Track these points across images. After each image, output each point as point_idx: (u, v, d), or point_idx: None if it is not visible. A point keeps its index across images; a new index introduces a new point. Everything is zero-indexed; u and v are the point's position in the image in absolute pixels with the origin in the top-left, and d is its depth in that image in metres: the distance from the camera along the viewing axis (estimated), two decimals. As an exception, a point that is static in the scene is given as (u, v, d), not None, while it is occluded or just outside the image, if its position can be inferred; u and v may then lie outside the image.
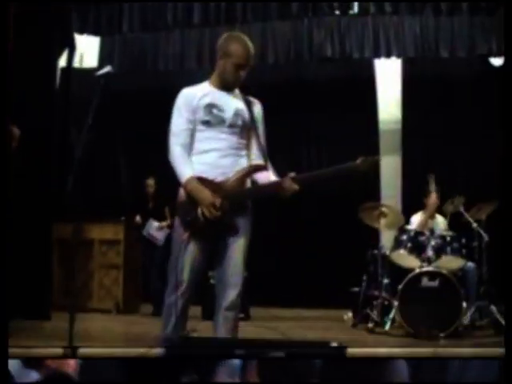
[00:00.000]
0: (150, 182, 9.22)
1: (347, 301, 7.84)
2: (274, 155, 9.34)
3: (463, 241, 6.97)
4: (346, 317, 7.81)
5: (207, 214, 3.89)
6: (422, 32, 8.70)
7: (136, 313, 8.93)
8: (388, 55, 8.82)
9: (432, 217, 7.82)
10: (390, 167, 9.55)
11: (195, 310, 7.04)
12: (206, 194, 3.91)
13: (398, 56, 8.95)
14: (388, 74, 9.71)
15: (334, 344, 3.00)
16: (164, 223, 8.97)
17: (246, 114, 4.14)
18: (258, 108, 4.27)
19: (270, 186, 4.09)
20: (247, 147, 4.21)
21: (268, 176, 4.14)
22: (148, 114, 9.58)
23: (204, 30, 8.79)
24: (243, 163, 4.13)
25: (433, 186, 7.79)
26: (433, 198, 7.75)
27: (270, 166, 4.18)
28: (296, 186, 3.96)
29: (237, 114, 4.10)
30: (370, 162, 4.05)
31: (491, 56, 9.07)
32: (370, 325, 6.94)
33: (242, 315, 7.60)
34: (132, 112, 10.07)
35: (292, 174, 4.01)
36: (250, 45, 4.14)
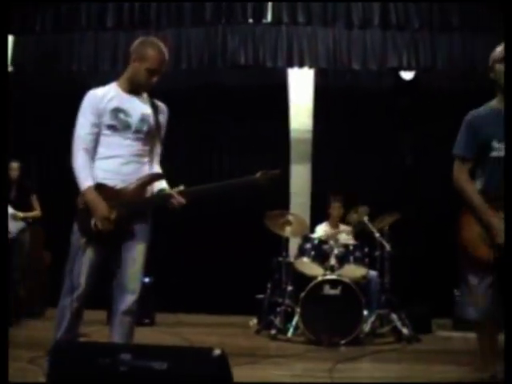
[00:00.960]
0: (14, 165, 8.14)
1: (253, 307, 7.88)
2: (186, 162, 9.41)
3: (366, 250, 7.14)
4: (251, 323, 7.86)
5: (100, 226, 3.89)
6: (335, 44, 8.82)
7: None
8: (301, 65, 8.89)
9: (336, 226, 7.96)
10: (300, 176, 9.64)
11: (100, 314, 6.98)
12: (101, 208, 3.91)
13: (311, 66, 9.03)
14: (300, 84, 9.78)
15: (217, 352, 3.00)
16: (20, 213, 7.97)
17: (152, 120, 4.13)
18: (164, 114, 4.26)
19: (160, 197, 4.11)
20: (150, 154, 4.20)
21: (159, 185, 4.17)
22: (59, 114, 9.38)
23: (118, 32, 8.72)
24: (145, 170, 4.13)
25: (336, 198, 7.95)
26: (336, 209, 7.91)
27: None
28: (183, 200, 4.00)
29: (143, 119, 4.09)
30: (270, 175, 4.13)
31: (401, 69, 9.29)
32: (273, 331, 6.97)
33: (147, 320, 7.67)
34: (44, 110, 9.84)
35: (181, 188, 4.05)
36: (165, 51, 4.15)
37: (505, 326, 3.63)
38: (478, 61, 8.24)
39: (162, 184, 4.17)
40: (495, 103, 3.99)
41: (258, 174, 4.12)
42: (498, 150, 3.85)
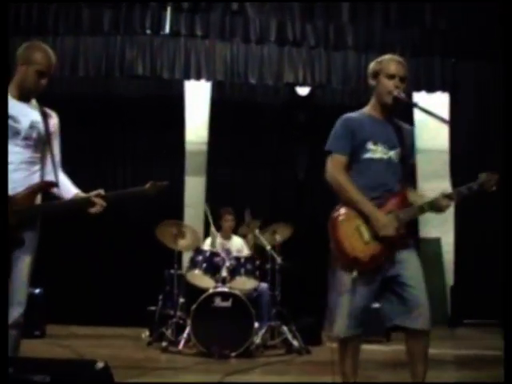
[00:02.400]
0: None
1: (145, 319, 7.82)
2: (80, 170, 9.27)
3: (257, 263, 7.18)
4: (143, 335, 7.78)
5: None
6: (232, 57, 8.94)
7: None
8: (198, 77, 8.97)
9: (228, 238, 8.01)
10: (195, 188, 9.69)
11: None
12: None
13: (208, 79, 9.12)
14: (197, 96, 9.84)
15: (100, 364, 2.98)
16: None
17: (42, 127, 4.05)
18: (54, 121, 4.18)
19: (77, 202, 4.09)
20: (41, 161, 4.13)
21: (70, 191, 4.13)
22: None
23: (14, 39, 8.52)
24: (35, 178, 4.05)
25: (227, 210, 8.00)
26: (227, 222, 7.96)
27: (68, 180, 4.19)
28: (104, 203, 4.02)
29: (32, 126, 4.00)
30: (158, 187, 4.20)
31: (297, 85, 9.47)
32: (164, 344, 6.92)
33: (37, 332, 7.49)
34: None
35: (101, 191, 4.04)
36: (52, 53, 4.09)
37: (505, 326, 3.67)
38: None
39: (72, 190, 4.13)
40: (368, 109, 4.12)
41: (147, 185, 4.17)
42: (372, 151, 3.95)
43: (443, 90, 9.87)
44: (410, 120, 8.08)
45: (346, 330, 3.88)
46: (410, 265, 3.88)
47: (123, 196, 4.40)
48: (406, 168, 4.08)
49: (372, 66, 4.11)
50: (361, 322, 3.90)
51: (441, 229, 10.04)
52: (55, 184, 4.12)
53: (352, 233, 3.84)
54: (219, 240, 7.95)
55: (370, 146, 3.96)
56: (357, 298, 3.83)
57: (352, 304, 3.84)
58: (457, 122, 10.05)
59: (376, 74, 4.05)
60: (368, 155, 3.96)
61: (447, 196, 3.86)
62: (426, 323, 3.83)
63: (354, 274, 3.79)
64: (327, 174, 4.02)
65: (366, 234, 3.83)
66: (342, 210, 3.92)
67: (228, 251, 7.52)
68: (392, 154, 3.98)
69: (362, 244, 3.82)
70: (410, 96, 9.60)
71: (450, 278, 10.15)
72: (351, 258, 3.82)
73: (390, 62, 4.03)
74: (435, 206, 3.88)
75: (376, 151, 3.96)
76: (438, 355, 6.88)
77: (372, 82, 4.08)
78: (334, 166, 3.99)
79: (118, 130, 9.69)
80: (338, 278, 3.93)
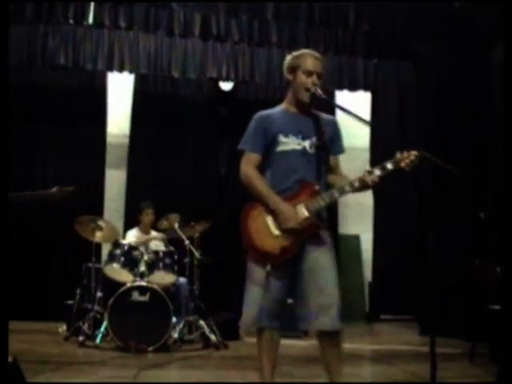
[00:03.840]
0: None
1: (62, 313, 7.70)
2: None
3: (176, 257, 7.17)
4: (60, 329, 7.67)
5: None
6: (156, 50, 8.88)
7: None
8: (121, 69, 8.87)
9: (147, 232, 7.96)
10: (116, 181, 9.61)
11: None
12: None
13: (131, 71, 9.04)
14: (120, 88, 9.75)
15: (9, 359, 2.94)
16: None
17: None
18: None
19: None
20: None
21: None
22: None
23: None
24: None
25: (147, 205, 7.96)
26: (147, 216, 7.92)
27: None
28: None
29: None
30: (65, 191, 4.20)
31: (221, 80, 9.48)
32: (81, 338, 6.83)
33: None
34: None
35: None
36: None
37: (505, 325, 3.68)
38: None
39: None
40: (284, 104, 4.15)
41: (55, 189, 4.17)
42: (283, 144, 3.98)
43: (365, 88, 10.03)
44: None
45: (254, 321, 3.90)
46: (320, 264, 3.88)
47: (27, 198, 4.35)
48: (327, 157, 4.09)
49: (289, 60, 4.10)
50: (274, 316, 3.91)
51: (360, 226, 10.23)
52: None
53: (262, 228, 3.88)
54: (138, 234, 7.89)
55: (282, 138, 3.98)
56: (269, 291, 3.85)
57: (264, 297, 3.85)
58: (378, 120, 10.24)
59: (293, 69, 4.04)
60: (280, 148, 3.99)
61: (369, 171, 3.82)
62: (333, 324, 3.81)
63: (268, 268, 3.81)
64: (240, 172, 4.07)
65: (275, 229, 3.85)
66: (253, 206, 3.96)
67: (147, 245, 7.47)
68: (306, 144, 3.99)
69: (272, 238, 3.84)
70: (331, 93, 9.76)
71: (368, 274, 10.33)
72: (262, 252, 3.86)
73: (308, 58, 4.03)
74: (362, 182, 3.83)
75: (287, 143, 3.98)
76: (356, 350, 7.01)
77: (289, 76, 4.08)
78: (246, 164, 4.05)
79: (38, 120, 9.47)
80: (250, 272, 3.95)
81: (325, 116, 4.18)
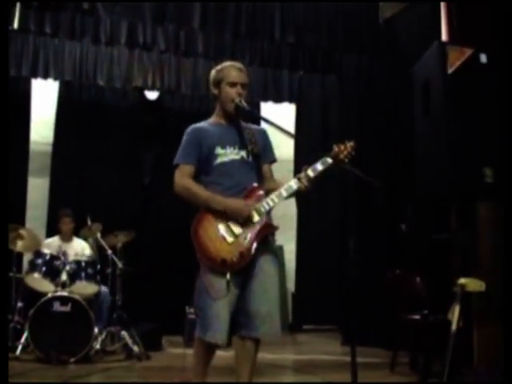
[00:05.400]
0: None
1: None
2: None
3: (98, 267, 7.11)
4: (-22, 341, 7.48)
5: None
6: (82, 58, 8.81)
7: None
8: (45, 76, 8.76)
9: (67, 241, 7.83)
10: (38, 188, 9.45)
11: None
12: None
13: (56, 78, 8.94)
14: (44, 95, 9.62)
15: None
16: None
17: None
18: None
19: None
20: None
21: None
22: None
23: None
24: None
25: (65, 213, 7.87)
26: (65, 224, 7.82)
27: None
28: None
29: None
30: None
31: (146, 89, 9.46)
32: (0, 349, 6.70)
33: None
34: None
35: None
36: None
37: (504, 325, 3.68)
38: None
39: None
40: (214, 117, 4.18)
41: None
42: (221, 155, 3.99)
43: (290, 101, 10.15)
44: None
45: (223, 337, 3.80)
46: (262, 271, 3.88)
47: None
48: (262, 164, 4.12)
49: (213, 74, 4.14)
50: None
51: (284, 236, 10.30)
52: None
53: (215, 236, 3.82)
54: (58, 243, 7.76)
55: (219, 150, 3.99)
56: (233, 300, 3.82)
57: (226, 309, 3.80)
58: (302, 132, 10.38)
59: (218, 83, 4.08)
60: (219, 160, 3.99)
61: (299, 178, 3.86)
62: (274, 332, 3.86)
63: (227, 276, 3.76)
64: (175, 185, 3.99)
65: (229, 234, 3.82)
66: (202, 216, 3.89)
67: (66, 254, 7.30)
68: (243, 153, 4.02)
69: (227, 245, 3.80)
70: (257, 105, 9.85)
71: (291, 284, 10.41)
72: (219, 261, 3.78)
73: (231, 70, 4.08)
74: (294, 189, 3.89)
75: (225, 154, 4.00)
76: (278, 360, 7.05)
77: (214, 90, 4.11)
78: (180, 176, 4.00)
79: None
80: (208, 285, 3.83)
81: (254, 126, 4.22)
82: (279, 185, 4.01)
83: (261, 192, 3.95)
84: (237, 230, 3.83)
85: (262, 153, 4.11)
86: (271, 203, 3.90)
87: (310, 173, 3.88)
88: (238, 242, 3.81)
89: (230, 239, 3.81)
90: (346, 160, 3.82)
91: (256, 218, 3.86)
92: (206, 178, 4.02)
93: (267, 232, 3.91)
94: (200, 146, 4.02)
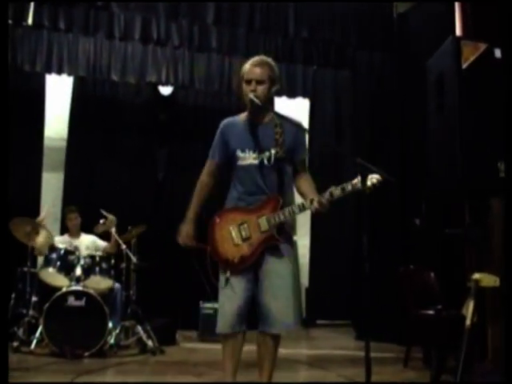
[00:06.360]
0: None
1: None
2: None
3: (112, 261, 7.14)
4: (-7, 335, 7.53)
5: None
6: (95, 53, 8.82)
7: None
8: (59, 72, 8.77)
9: (76, 237, 7.84)
10: (52, 184, 9.47)
11: None
12: None
13: (70, 74, 8.93)
14: (58, 91, 9.64)
15: None
16: None
17: None
18: None
19: None
20: None
21: None
22: None
23: None
24: None
25: (70, 209, 7.90)
26: (71, 220, 7.85)
27: None
28: None
29: None
30: None
31: (160, 84, 9.46)
32: (15, 344, 6.71)
33: None
34: None
35: None
36: None
37: (505, 325, 3.69)
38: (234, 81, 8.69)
39: None
40: (244, 114, 4.22)
41: None
42: (241, 159, 4.09)
43: (304, 95, 10.13)
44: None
45: (226, 327, 4.04)
46: (276, 271, 4.04)
47: None
48: (289, 165, 4.18)
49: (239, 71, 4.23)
50: (241, 320, 4.04)
51: (298, 231, 10.29)
52: None
53: (226, 236, 4.06)
54: (67, 239, 7.78)
55: (239, 153, 4.11)
56: (234, 296, 4.00)
57: (230, 302, 4.02)
58: (316, 127, 10.36)
59: (241, 80, 4.16)
60: (239, 163, 4.12)
61: (311, 200, 3.97)
62: (282, 328, 4.05)
63: (227, 274, 4.01)
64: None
65: (237, 237, 4.04)
66: (221, 215, 4.14)
67: (76, 250, 7.31)
68: (265, 156, 4.07)
69: (233, 247, 4.03)
70: (271, 101, 9.84)
71: (305, 279, 10.41)
72: (223, 259, 4.04)
73: (248, 68, 4.12)
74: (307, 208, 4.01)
75: (245, 158, 4.10)
76: (292, 355, 7.05)
77: (242, 87, 4.18)
78: (204, 171, 4.27)
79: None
80: (220, 280, 4.10)
81: (287, 124, 4.16)
82: (309, 186, 4.18)
83: (279, 203, 4.03)
84: (245, 235, 4.03)
85: (290, 152, 4.14)
86: (282, 217, 4.00)
87: (323, 199, 3.97)
88: (242, 246, 4.02)
89: (237, 242, 4.03)
90: (368, 191, 3.92)
91: (265, 227, 4.00)
92: (232, 175, 4.21)
93: (269, 243, 4.03)
94: (226, 144, 4.17)
